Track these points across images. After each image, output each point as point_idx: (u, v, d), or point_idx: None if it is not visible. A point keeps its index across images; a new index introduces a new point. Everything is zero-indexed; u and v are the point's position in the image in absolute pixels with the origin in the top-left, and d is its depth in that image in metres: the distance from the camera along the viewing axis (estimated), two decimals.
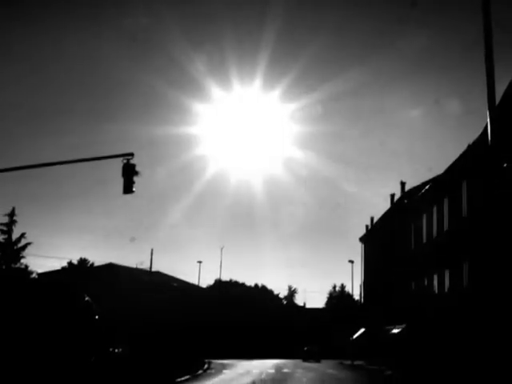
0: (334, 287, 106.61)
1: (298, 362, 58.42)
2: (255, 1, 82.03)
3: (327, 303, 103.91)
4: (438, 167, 51.49)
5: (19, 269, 52.23)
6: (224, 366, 44.70)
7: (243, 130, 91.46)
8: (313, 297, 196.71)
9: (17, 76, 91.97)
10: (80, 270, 66.92)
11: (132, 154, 20.55)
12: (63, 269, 66.33)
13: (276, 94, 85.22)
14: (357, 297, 77.25)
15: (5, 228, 52.85)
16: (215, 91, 79.51)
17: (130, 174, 20.38)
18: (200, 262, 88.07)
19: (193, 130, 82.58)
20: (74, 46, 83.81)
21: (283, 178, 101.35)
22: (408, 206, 48.46)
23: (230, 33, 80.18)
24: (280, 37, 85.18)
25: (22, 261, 53.25)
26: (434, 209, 38.87)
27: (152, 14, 74.13)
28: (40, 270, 60.48)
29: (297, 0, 75.98)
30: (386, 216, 58.71)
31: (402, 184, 58.98)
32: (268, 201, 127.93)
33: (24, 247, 53.19)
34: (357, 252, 64.31)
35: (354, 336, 61.71)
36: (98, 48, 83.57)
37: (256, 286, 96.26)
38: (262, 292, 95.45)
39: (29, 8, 74.89)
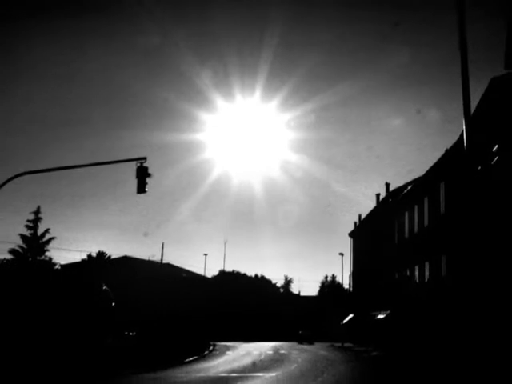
0: (326, 277, 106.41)
1: (294, 344, 58.38)
2: (255, 22, 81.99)
3: (320, 292, 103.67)
4: (419, 170, 51.41)
5: (44, 261, 52.19)
6: (227, 348, 44.69)
7: (244, 137, 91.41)
8: (307, 286, 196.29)
9: (43, 89, 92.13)
10: (98, 261, 66.79)
11: (145, 158, 20.56)
12: (83, 261, 66.19)
13: (274, 104, 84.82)
14: (346, 286, 77.08)
15: (31, 224, 52.86)
16: (219, 102, 79.38)
17: (143, 175, 20.38)
18: (206, 255, 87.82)
19: (199, 136, 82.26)
20: (93, 62, 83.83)
21: (280, 179, 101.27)
22: (392, 204, 48.47)
23: (233, 50, 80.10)
24: (277, 54, 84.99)
25: (47, 254, 53.28)
26: (416, 207, 38.85)
27: (163, 33, 74.04)
28: (62, 262, 60.35)
29: (292, 21, 75.88)
30: (372, 213, 58.69)
31: (387, 185, 58.89)
32: (266, 200, 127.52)
33: (48, 241, 53.19)
34: (346, 246, 64.43)
35: (344, 321, 61.68)
36: (115, 63, 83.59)
37: (256, 276, 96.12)
38: (261, 281, 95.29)
39: (54, 29, 74.84)
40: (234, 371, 22.47)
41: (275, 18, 66.99)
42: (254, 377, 20.04)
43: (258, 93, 76.76)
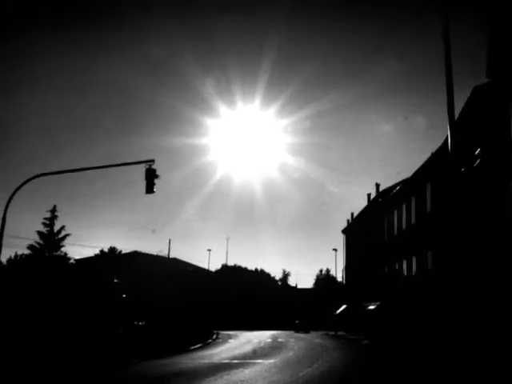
0: (321, 271, 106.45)
1: (291, 332, 58.36)
2: (255, 35, 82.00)
3: (315, 284, 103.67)
4: (407, 171, 51.51)
5: (59, 256, 52.15)
6: (230, 336, 44.69)
7: (245, 141, 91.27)
8: (303, 279, 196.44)
9: (58, 96, 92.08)
10: (110, 256, 66.72)
11: (153, 161, 20.50)
12: (96, 256, 66.13)
13: (272, 111, 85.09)
14: (340, 279, 77.07)
15: (48, 222, 52.80)
16: (222, 109, 79.22)
17: (151, 177, 20.33)
18: (209, 250, 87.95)
19: (204, 140, 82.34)
20: (105, 71, 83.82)
21: (278, 180, 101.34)
22: (382, 203, 48.47)
23: (235, 61, 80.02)
24: (276, 65, 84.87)
25: (62, 249, 53.18)
26: (404, 206, 38.86)
27: (170, 46, 74.08)
28: (77, 257, 60.33)
29: (290, 34, 75.85)
30: (363, 212, 58.69)
31: (377, 185, 58.90)
32: (266, 199, 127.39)
33: (63, 238, 53.12)
34: (339, 242, 64.44)
35: (337, 311, 61.68)
36: (126, 73, 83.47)
37: (256, 269, 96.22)
38: (261, 275, 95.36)
39: (69, 42, 74.84)
40: (235, 358, 22.47)
41: (274, 31, 67.07)
42: (254, 363, 20.04)
43: (257, 100, 76.98)
